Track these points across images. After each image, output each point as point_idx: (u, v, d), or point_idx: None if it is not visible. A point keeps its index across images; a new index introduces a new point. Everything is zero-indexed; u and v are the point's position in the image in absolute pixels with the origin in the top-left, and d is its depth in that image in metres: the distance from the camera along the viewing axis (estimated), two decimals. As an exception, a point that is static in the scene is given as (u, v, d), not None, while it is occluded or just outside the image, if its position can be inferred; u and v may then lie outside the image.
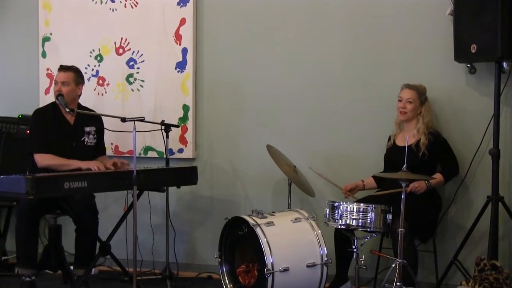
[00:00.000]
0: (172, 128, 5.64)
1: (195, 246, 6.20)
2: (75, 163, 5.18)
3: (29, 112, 5.60)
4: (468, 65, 5.32)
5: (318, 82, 5.81)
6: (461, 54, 5.21)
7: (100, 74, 6.28)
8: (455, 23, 5.23)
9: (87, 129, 5.46)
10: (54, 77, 5.52)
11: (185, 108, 6.07)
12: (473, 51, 5.06)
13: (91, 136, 5.48)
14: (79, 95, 5.48)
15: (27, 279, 5.08)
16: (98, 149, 5.56)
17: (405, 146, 4.78)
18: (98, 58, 6.28)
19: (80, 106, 5.49)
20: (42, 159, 5.24)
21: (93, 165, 5.14)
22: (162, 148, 5.84)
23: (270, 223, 4.98)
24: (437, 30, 5.45)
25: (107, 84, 6.27)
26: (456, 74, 5.43)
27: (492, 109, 5.14)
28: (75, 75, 5.41)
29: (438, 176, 5.13)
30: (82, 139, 5.43)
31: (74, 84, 5.38)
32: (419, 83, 5.28)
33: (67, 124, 5.40)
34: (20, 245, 5.13)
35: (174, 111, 6.07)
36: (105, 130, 5.61)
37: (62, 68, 5.42)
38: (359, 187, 5.41)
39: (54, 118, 5.38)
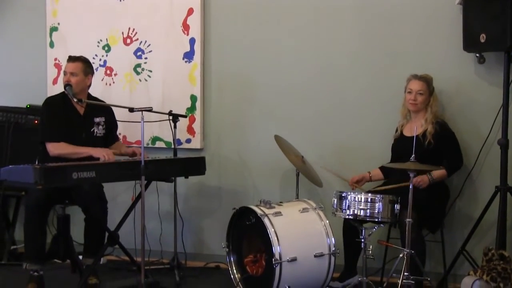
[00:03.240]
0: (180, 118, 5.65)
1: (203, 236, 6.22)
2: (86, 150, 5.19)
3: (37, 102, 5.61)
4: (477, 54, 5.30)
5: (326, 72, 5.80)
6: (470, 43, 5.20)
7: (107, 64, 6.28)
8: (464, 12, 5.21)
9: (97, 119, 5.44)
10: (63, 68, 5.52)
11: (193, 98, 6.07)
12: (482, 40, 5.04)
13: (100, 127, 5.47)
14: (89, 86, 5.46)
15: (35, 273, 5.11)
16: (111, 138, 5.56)
17: (413, 137, 4.77)
18: (106, 48, 6.28)
19: (90, 97, 5.49)
20: (55, 148, 5.23)
21: (103, 154, 5.14)
22: (170, 139, 5.85)
23: (278, 213, 4.99)
24: (446, 19, 5.43)
25: (115, 74, 6.27)
26: (465, 64, 5.41)
27: (501, 99, 5.12)
28: (84, 65, 5.40)
29: (441, 170, 5.12)
30: (92, 129, 5.42)
31: (82, 75, 5.36)
32: (425, 73, 5.26)
33: (77, 115, 5.39)
34: (28, 241, 5.12)
35: (182, 101, 6.07)
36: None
37: (71, 59, 5.41)
38: (366, 178, 5.41)
39: (64, 107, 5.37)
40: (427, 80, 5.23)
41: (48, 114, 5.37)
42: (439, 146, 5.15)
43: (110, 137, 5.56)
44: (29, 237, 5.11)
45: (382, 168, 5.40)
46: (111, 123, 5.58)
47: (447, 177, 5.21)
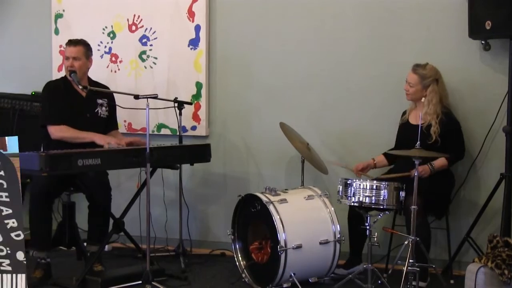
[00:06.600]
0: (185, 105, 5.64)
1: (208, 223, 6.23)
2: (89, 136, 5.19)
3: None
4: (483, 42, 5.28)
5: (331, 59, 5.79)
6: (475, 30, 5.18)
7: (113, 51, 6.27)
8: (470, -1, 5.20)
9: (100, 101, 5.42)
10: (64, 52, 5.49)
11: (198, 85, 6.07)
12: (488, 27, 5.03)
13: (104, 108, 5.44)
14: (89, 68, 5.44)
15: (43, 261, 5.12)
16: (110, 124, 5.53)
17: (417, 125, 4.76)
18: (111, 35, 6.27)
19: (90, 80, 5.47)
20: (56, 131, 5.22)
21: (107, 141, 5.13)
22: (175, 126, 5.85)
23: (283, 201, 5.00)
24: (452, 6, 5.41)
25: (120, 61, 6.26)
26: (470, 51, 5.39)
27: (506, 86, 5.12)
28: (85, 48, 5.36)
29: (442, 160, 5.09)
30: (96, 110, 5.40)
31: (85, 58, 5.33)
32: (429, 64, 5.18)
33: (79, 97, 5.36)
34: (34, 228, 5.12)
35: (187, 88, 6.06)
36: (118, 107, 5.57)
37: (72, 43, 5.36)
38: (371, 165, 5.39)
39: (65, 91, 5.34)
40: (421, 74, 5.15)
41: (49, 97, 5.35)
42: (445, 141, 5.11)
43: (110, 122, 5.54)
44: (34, 224, 5.11)
45: (386, 155, 5.39)
46: (112, 107, 5.57)
47: (447, 167, 5.18)
